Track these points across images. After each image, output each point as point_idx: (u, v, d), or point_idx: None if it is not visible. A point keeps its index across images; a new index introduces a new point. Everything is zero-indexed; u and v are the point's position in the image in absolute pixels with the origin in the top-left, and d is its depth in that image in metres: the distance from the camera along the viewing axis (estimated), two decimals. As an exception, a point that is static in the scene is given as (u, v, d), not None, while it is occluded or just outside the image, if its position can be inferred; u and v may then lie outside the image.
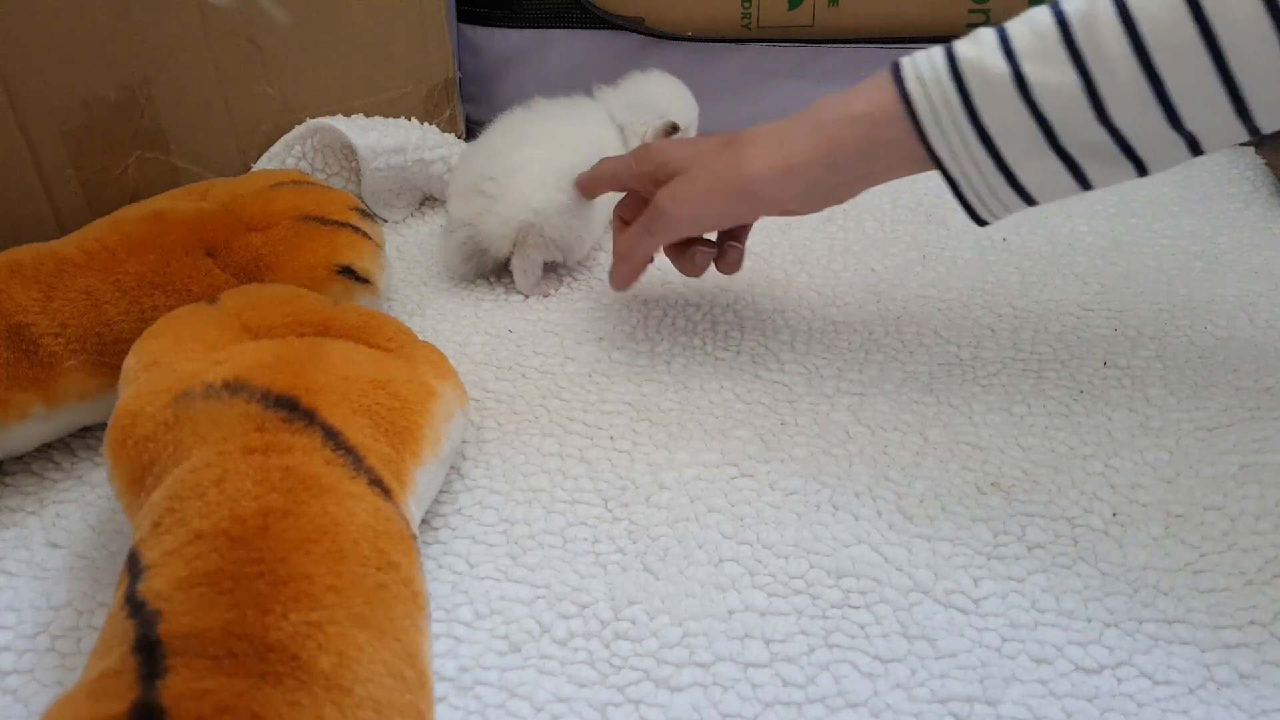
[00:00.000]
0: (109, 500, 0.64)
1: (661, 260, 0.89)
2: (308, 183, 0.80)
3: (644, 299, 0.83)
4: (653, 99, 0.92)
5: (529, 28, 1.05)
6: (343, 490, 0.51)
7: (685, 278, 0.85)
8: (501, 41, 1.06)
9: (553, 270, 0.87)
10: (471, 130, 1.09)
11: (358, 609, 0.45)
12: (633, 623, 0.55)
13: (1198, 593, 0.56)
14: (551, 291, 0.85)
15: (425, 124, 0.98)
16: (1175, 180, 0.99)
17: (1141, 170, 0.57)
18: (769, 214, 0.69)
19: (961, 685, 0.52)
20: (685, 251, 0.74)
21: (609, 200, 0.82)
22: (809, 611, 0.56)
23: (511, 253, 0.83)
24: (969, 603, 0.56)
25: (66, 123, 0.82)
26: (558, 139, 0.85)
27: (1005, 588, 0.57)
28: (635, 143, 0.91)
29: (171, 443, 0.53)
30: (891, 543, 0.60)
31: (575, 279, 0.87)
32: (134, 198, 0.83)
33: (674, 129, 0.90)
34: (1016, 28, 0.57)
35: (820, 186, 0.65)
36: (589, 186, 0.79)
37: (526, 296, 0.84)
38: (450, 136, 0.99)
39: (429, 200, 0.99)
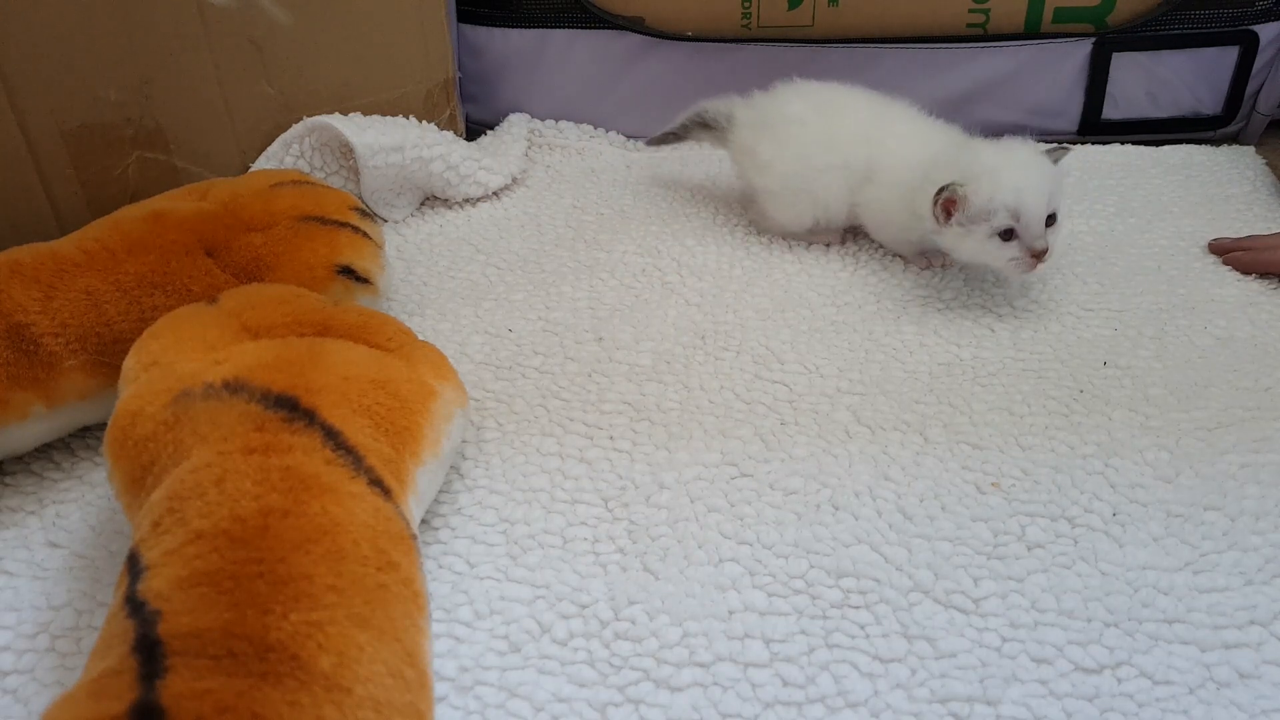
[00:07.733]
0: (109, 500, 0.64)
1: (659, 261, 0.89)
2: (307, 182, 0.80)
3: (644, 298, 0.83)
4: None
5: (529, 28, 1.05)
6: (343, 490, 0.51)
7: (683, 277, 0.86)
8: (501, 41, 1.06)
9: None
10: (472, 130, 1.09)
11: (358, 609, 0.45)
12: (633, 623, 0.55)
13: (1198, 593, 0.56)
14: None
15: (424, 122, 0.97)
16: (1175, 180, 0.98)
17: None
18: None
19: (961, 685, 0.52)
20: None
21: (794, 203, 0.88)
22: (809, 611, 0.56)
23: (730, 149, 0.94)
24: (969, 603, 0.56)
25: (66, 123, 0.83)
26: (831, 121, 0.90)
27: (1005, 588, 0.57)
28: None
29: (171, 443, 0.53)
30: (891, 543, 0.60)
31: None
32: (134, 198, 0.83)
33: None
34: None
35: None
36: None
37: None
38: (450, 134, 0.99)
39: (429, 200, 0.99)
